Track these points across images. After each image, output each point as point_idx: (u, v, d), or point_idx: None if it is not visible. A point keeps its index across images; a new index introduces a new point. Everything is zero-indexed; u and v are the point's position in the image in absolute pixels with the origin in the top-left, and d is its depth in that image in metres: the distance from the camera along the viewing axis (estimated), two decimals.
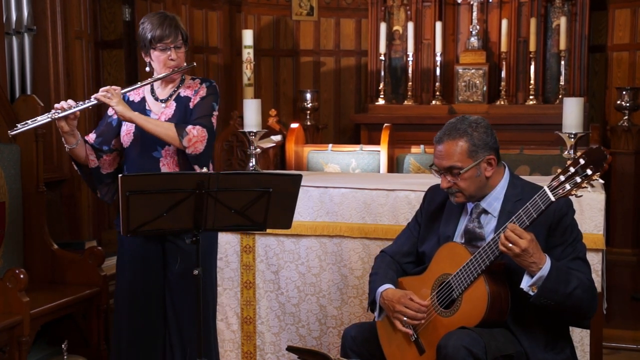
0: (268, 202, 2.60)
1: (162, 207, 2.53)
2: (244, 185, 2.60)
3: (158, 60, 3.01)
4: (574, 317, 2.54)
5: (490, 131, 2.65)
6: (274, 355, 3.72)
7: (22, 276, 3.32)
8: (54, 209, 4.58)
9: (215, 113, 3.04)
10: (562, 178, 2.36)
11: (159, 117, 3.03)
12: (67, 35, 4.87)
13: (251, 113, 3.90)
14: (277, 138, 6.04)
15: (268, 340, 3.73)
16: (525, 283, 2.42)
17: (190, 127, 2.93)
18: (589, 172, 2.31)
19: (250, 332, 3.75)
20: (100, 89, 2.97)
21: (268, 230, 2.94)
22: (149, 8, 6.13)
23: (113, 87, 2.97)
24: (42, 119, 2.90)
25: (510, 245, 2.38)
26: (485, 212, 2.65)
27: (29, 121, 2.91)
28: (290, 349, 2.65)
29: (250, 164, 3.94)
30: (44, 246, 3.90)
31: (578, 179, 2.33)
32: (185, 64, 3.05)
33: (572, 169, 2.35)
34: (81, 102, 2.94)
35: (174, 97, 3.07)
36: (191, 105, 3.03)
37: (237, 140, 5.70)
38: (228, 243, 3.72)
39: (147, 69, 3.08)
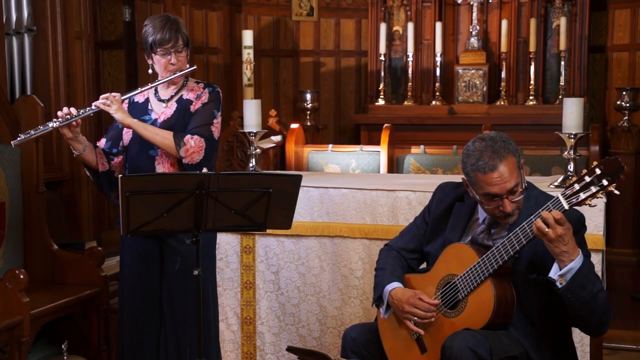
0: (268, 203, 2.60)
1: (162, 207, 2.54)
2: (244, 185, 2.60)
3: (159, 64, 3.04)
4: (594, 324, 2.46)
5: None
6: (274, 356, 3.72)
7: (22, 276, 3.32)
8: (54, 209, 4.58)
9: (216, 121, 3.05)
10: (576, 187, 2.32)
11: (159, 117, 3.06)
12: (67, 36, 4.87)
13: (251, 113, 3.90)
14: (277, 138, 6.04)
15: (268, 340, 3.73)
16: (554, 272, 2.38)
17: (188, 137, 2.95)
18: (605, 182, 2.27)
19: (250, 333, 3.75)
20: (100, 97, 3.00)
21: (268, 231, 2.95)
22: (149, 8, 6.13)
23: (113, 93, 3.00)
24: (44, 129, 2.93)
25: (547, 229, 2.33)
26: (496, 224, 2.61)
27: (31, 131, 2.95)
28: (290, 349, 2.66)
29: (250, 165, 3.94)
30: (44, 246, 3.89)
31: (593, 189, 2.29)
32: (187, 66, 3.08)
33: (587, 178, 2.31)
34: (82, 110, 2.97)
35: (175, 98, 3.09)
36: (192, 108, 3.05)
37: (237, 141, 5.70)
38: (228, 243, 3.72)
39: (150, 71, 3.10)
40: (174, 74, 3.03)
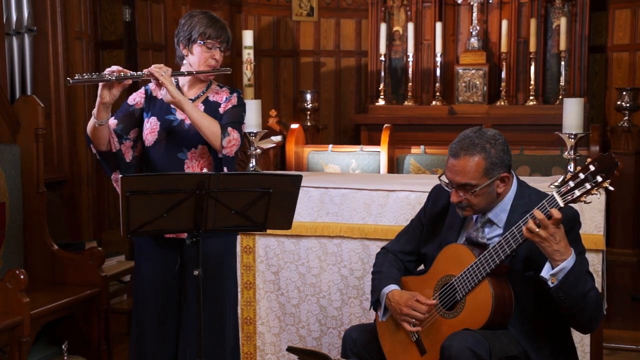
0: (268, 203, 2.60)
1: (163, 207, 2.53)
2: (244, 185, 2.59)
3: (200, 57, 2.94)
4: (584, 321, 2.48)
5: (507, 148, 2.56)
6: (274, 356, 3.73)
7: (22, 276, 3.32)
8: (54, 209, 4.58)
9: (244, 124, 3.03)
10: (571, 184, 2.33)
11: (186, 118, 2.94)
12: (67, 36, 4.87)
13: (251, 114, 3.90)
14: (278, 139, 6.04)
15: (268, 340, 3.73)
16: (546, 272, 2.39)
17: (230, 128, 2.88)
18: (599, 179, 2.28)
19: (250, 333, 3.75)
20: (153, 65, 2.86)
21: (268, 231, 2.94)
22: (149, 8, 6.13)
23: (165, 67, 2.86)
24: (99, 77, 2.76)
25: (538, 229, 2.34)
26: (490, 222, 2.61)
27: (85, 74, 2.78)
28: (290, 349, 2.66)
29: (251, 165, 3.94)
30: (44, 246, 3.90)
31: (588, 186, 2.30)
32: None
33: (581, 175, 2.31)
34: (134, 72, 2.84)
35: (201, 99, 3.00)
36: (221, 110, 2.98)
37: None
38: None
39: (185, 61, 2.99)
40: (214, 69, 2.96)
